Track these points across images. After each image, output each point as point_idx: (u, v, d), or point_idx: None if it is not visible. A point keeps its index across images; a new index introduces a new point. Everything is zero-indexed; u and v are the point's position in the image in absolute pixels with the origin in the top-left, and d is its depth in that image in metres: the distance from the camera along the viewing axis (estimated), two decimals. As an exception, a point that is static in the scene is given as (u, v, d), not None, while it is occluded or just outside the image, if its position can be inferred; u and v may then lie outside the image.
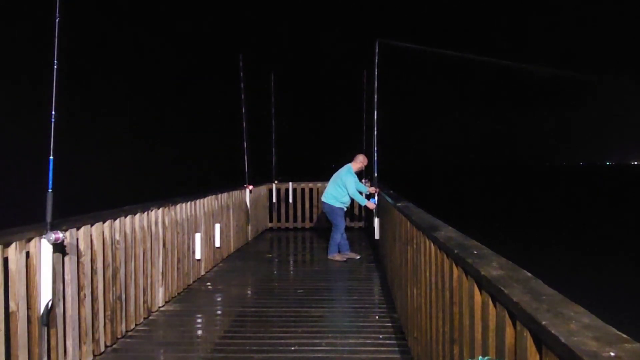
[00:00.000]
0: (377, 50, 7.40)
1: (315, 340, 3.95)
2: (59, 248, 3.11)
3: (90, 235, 3.57)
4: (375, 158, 7.58)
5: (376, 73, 7.44)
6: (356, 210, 10.59)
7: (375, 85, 7.46)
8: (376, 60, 7.41)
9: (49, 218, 2.90)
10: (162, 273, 4.92)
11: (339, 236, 7.41)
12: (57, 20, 2.99)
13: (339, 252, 7.43)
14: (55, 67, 2.98)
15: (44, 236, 2.90)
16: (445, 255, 2.36)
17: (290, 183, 10.60)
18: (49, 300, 2.90)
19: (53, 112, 2.95)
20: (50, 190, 2.90)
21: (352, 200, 7.80)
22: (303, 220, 10.63)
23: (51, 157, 2.92)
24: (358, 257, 7.38)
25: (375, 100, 7.51)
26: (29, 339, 2.83)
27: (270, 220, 10.67)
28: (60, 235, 2.94)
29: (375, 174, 7.64)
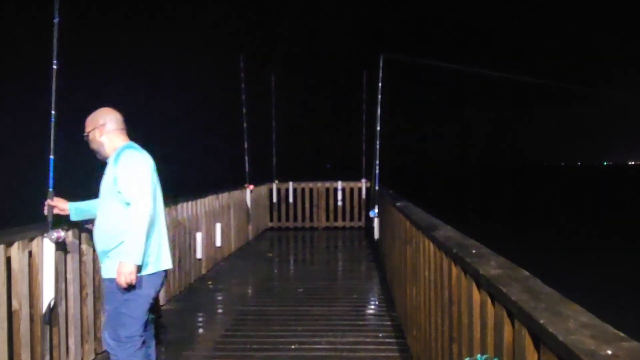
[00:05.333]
0: (381, 64, 7.35)
1: (315, 338, 3.96)
2: (61, 247, 3.12)
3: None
4: (377, 162, 7.58)
5: (380, 86, 7.38)
6: (355, 210, 10.59)
7: (379, 98, 7.41)
8: (380, 75, 7.35)
9: (50, 217, 2.92)
10: (163, 272, 4.93)
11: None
12: (56, 21, 3.00)
13: None
14: (54, 67, 2.98)
15: (45, 235, 2.90)
16: (444, 255, 2.37)
17: (291, 183, 10.61)
18: (52, 299, 2.91)
19: (53, 112, 2.95)
20: (51, 190, 2.91)
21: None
22: (303, 219, 10.63)
23: (51, 157, 2.92)
24: None
25: (379, 113, 7.47)
26: (31, 337, 2.85)
27: (271, 220, 10.68)
28: (62, 233, 2.94)
29: (377, 172, 7.65)
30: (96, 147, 2.78)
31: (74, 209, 2.94)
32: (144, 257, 2.59)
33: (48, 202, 2.89)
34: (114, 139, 2.76)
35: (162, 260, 2.73)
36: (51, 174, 2.90)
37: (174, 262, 5.16)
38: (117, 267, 2.55)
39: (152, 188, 2.66)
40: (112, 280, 2.62)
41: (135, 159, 2.66)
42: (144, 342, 2.73)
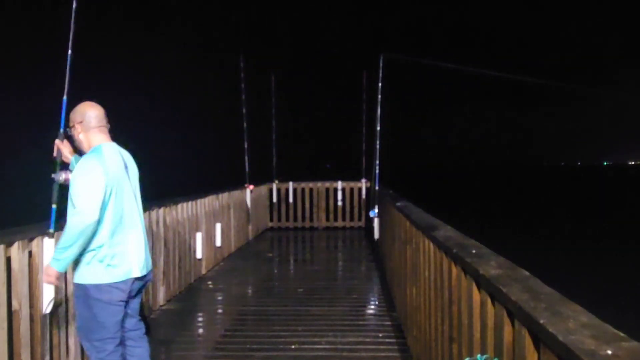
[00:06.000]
0: (381, 64, 7.33)
1: (315, 338, 3.97)
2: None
3: (92, 235, 3.58)
4: (377, 162, 7.57)
5: (380, 86, 7.37)
6: (355, 210, 10.59)
7: (379, 98, 7.40)
8: (380, 74, 7.34)
9: (59, 158, 2.81)
10: (164, 272, 4.93)
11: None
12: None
13: None
14: (74, 5, 2.93)
15: (53, 175, 2.76)
16: (444, 255, 2.37)
17: (291, 183, 10.62)
18: (52, 299, 2.91)
19: (69, 52, 2.91)
20: (61, 131, 2.80)
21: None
22: (303, 219, 10.64)
23: (65, 97, 2.83)
24: None
25: (379, 113, 7.45)
26: (31, 337, 2.85)
27: (271, 220, 10.68)
28: (70, 175, 2.75)
29: (377, 172, 7.65)
30: (77, 145, 2.69)
31: (75, 163, 2.78)
32: (104, 262, 2.53)
33: (57, 142, 2.77)
34: (91, 138, 2.64)
35: (126, 267, 2.60)
36: (63, 115, 2.82)
37: (173, 262, 5.21)
38: (81, 272, 2.54)
39: (102, 198, 2.48)
40: (77, 285, 2.60)
41: (87, 165, 2.51)
42: (119, 344, 2.69)
